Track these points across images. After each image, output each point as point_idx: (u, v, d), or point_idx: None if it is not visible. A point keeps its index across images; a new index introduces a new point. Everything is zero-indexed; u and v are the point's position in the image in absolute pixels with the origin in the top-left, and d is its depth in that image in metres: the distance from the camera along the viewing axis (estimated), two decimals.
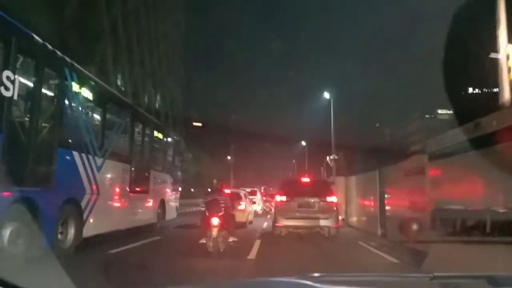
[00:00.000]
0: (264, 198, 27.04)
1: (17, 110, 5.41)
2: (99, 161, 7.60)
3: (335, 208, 10.74)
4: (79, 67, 7.11)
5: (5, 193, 4.90)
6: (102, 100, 8.22)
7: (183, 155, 17.00)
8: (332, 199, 10.83)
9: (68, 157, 6.56)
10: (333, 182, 16.42)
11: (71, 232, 6.54)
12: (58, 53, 6.33)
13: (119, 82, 31.16)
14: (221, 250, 7.40)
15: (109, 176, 8.25)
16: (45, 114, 6.04)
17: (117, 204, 8.74)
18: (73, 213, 6.59)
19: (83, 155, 7.03)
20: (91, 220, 7.12)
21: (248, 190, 20.87)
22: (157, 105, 40.13)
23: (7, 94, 4.95)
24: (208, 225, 7.34)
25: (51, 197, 5.87)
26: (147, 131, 11.23)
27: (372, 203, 13.23)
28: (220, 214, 7.51)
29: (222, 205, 7.68)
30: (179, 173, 14.66)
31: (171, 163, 13.30)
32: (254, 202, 19.46)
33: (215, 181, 8.33)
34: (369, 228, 13.17)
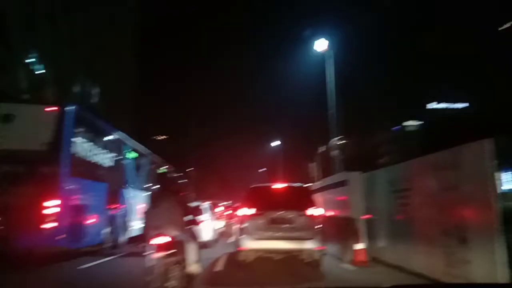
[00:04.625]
0: (228, 213, 24.01)
1: (110, 170, 10.96)
2: (136, 192, 13.09)
3: (318, 224, 8.20)
4: (134, 140, 13.35)
5: (103, 210, 10.32)
6: (141, 154, 14.24)
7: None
8: (315, 211, 8.30)
9: (125, 192, 12.13)
10: (345, 181, 9.82)
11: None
12: (125, 135, 12.52)
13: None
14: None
15: (140, 200, 12.50)
16: (117, 169, 11.63)
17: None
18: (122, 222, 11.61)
19: (132, 190, 12.72)
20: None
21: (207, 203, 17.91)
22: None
23: (105, 161, 10.62)
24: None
25: (121, 214, 11.40)
26: (159, 168, 16.39)
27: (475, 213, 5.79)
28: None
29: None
30: None
31: None
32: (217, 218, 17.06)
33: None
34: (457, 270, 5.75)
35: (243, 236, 8.18)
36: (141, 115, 46.13)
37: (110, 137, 11.18)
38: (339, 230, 9.40)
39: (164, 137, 49.26)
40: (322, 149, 19.01)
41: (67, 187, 8.30)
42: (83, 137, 9.20)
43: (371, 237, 8.74)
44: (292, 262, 8.45)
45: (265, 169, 53.24)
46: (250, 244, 8.05)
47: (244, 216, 8.43)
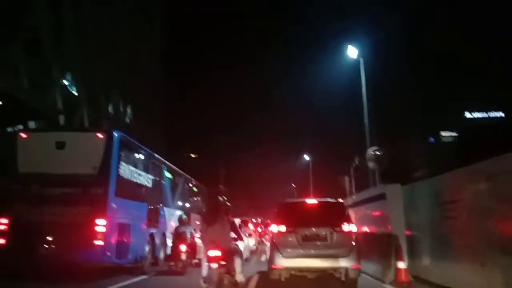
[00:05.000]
0: (259, 230, 23.49)
1: (149, 191, 11.49)
2: (172, 211, 13.64)
3: (354, 242, 7.80)
4: (168, 162, 14.17)
5: (144, 228, 10.80)
6: (176, 175, 14.98)
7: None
8: (349, 228, 7.90)
9: (163, 211, 12.58)
10: (383, 194, 9.05)
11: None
12: (161, 158, 13.48)
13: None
14: None
15: (174, 218, 13.15)
16: (155, 190, 12.19)
17: None
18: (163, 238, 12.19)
19: (168, 209, 13.26)
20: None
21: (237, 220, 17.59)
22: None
23: (145, 182, 11.21)
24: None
25: (159, 231, 11.79)
26: (192, 188, 18.35)
27: None
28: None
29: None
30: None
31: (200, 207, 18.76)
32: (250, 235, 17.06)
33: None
34: None
35: (275, 254, 7.88)
36: (169, 131, 46.81)
37: (149, 160, 11.93)
38: (378, 247, 8.78)
39: (194, 155, 49.66)
40: (356, 161, 17.98)
41: (114, 207, 8.87)
42: (126, 161, 9.84)
43: (412, 255, 8.00)
44: (326, 281, 8.07)
45: (294, 185, 52.27)
46: (283, 262, 7.77)
47: (276, 233, 8.14)
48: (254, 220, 25.96)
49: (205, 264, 6.27)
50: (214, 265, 5.97)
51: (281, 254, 7.78)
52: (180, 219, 11.33)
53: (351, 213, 12.26)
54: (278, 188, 52.09)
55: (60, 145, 8.92)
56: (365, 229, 10.76)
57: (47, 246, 8.06)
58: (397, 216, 8.32)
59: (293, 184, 52.73)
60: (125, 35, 34.73)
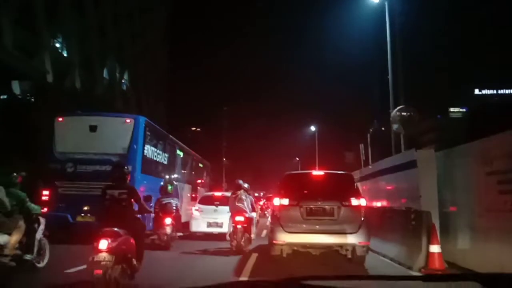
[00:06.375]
0: (260, 203, 22.55)
1: (164, 167, 12.77)
2: (183, 185, 15.03)
3: (362, 217, 7.17)
4: (180, 142, 15.61)
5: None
6: (186, 154, 16.59)
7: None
8: (359, 202, 7.30)
9: (177, 186, 12.95)
10: (412, 162, 7.35)
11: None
12: (175, 139, 14.72)
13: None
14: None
15: (185, 192, 15.25)
16: (169, 166, 13.51)
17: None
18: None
19: (180, 183, 14.07)
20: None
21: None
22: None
23: (161, 160, 12.48)
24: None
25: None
26: (198, 164, 19.73)
27: None
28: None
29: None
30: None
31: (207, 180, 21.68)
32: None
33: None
34: None
35: (277, 228, 7.36)
36: (171, 102, 45.25)
37: (165, 141, 13.35)
38: (403, 226, 7.31)
39: (197, 129, 48.47)
40: (374, 126, 16.04)
41: (141, 182, 10.05)
42: (149, 142, 11.14)
43: (446, 236, 6.54)
44: (332, 258, 7.66)
45: (298, 159, 50.59)
46: (285, 237, 7.25)
47: (278, 206, 7.55)
48: (256, 194, 25.42)
49: (231, 225, 9.25)
50: (239, 226, 8.77)
51: (283, 228, 7.29)
52: (162, 188, 10.07)
53: (368, 185, 10.63)
54: (282, 162, 50.76)
55: (93, 128, 10.08)
56: (384, 203, 9.23)
57: (83, 215, 9.46)
58: (430, 188, 6.74)
59: (297, 158, 51.10)
60: (128, 5, 33.18)
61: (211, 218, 11.69)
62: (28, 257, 5.84)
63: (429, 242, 6.16)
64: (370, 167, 11.01)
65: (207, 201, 12.51)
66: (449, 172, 6.90)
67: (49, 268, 6.24)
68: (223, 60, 77.77)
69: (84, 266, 4.60)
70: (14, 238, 5.73)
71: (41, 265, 6.18)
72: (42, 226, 6.31)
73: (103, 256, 4.18)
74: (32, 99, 17.32)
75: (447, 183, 6.88)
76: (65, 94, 19.57)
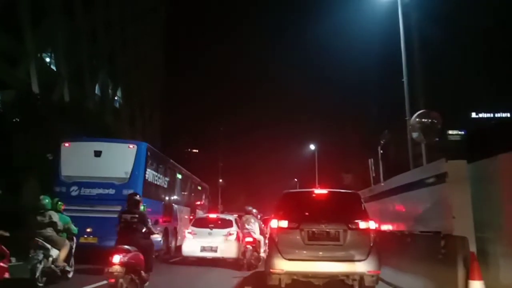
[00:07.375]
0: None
1: (164, 190, 13.34)
2: (181, 208, 15.73)
3: (372, 242, 6.53)
4: (179, 166, 16.19)
5: (162, 224, 12.53)
6: (185, 177, 17.06)
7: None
8: (367, 224, 6.67)
9: (174, 208, 14.53)
10: (442, 176, 6.16)
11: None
12: (175, 163, 15.30)
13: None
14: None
15: (184, 215, 16.05)
16: (169, 190, 14.01)
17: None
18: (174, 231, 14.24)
19: (178, 206, 15.17)
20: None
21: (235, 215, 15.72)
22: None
23: (163, 184, 13.12)
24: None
25: (171, 226, 13.76)
26: (197, 186, 20.10)
27: None
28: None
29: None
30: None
31: (205, 203, 21.70)
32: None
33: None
34: None
35: (275, 255, 6.73)
36: (166, 122, 44.43)
37: (166, 165, 13.86)
38: (428, 255, 6.08)
39: (193, 150, 47.86)
40: (385, 137, 14.76)
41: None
42: (150, 167, 11.63)
43: (486, 268, 5.26)
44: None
45: (296, 180, 49.21)
46: (284, 265, 6.64)
47: (276, 229, 6.91)
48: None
49: (241, 245, 10.61)
50: (249, 246, 10.18)
51: (281, 255, 6.68)
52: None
53: (379, 205, 9.39)
54: (280, 183, 49.24)
55: (98, 153, 10.65)
56: (400, 226, 7.99)
57: (86, 236, 9.84)
58: (464, 207, 5.48)
59: (295, 179, 49.76)
60: (121, 13, 32.64)
61: (205, 242, 11.04)
62: (68, 268, 7.48)
63: (468, 277, 4.90)
64: (382, 184, 9.81)
65: (201, 223, 11.88)
66: (486, 188, 5.72)
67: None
68: (220, 75, 78.64)
69: (96, 284, 6.48)
70: (63, 253, 7.34)
71: (70, 275, 7.62)
72: (74, 244, 7.84)
73: (116, 268, 5.28)
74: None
75: (483, 201, 5.68)
76: (53, 107, 18.60)
